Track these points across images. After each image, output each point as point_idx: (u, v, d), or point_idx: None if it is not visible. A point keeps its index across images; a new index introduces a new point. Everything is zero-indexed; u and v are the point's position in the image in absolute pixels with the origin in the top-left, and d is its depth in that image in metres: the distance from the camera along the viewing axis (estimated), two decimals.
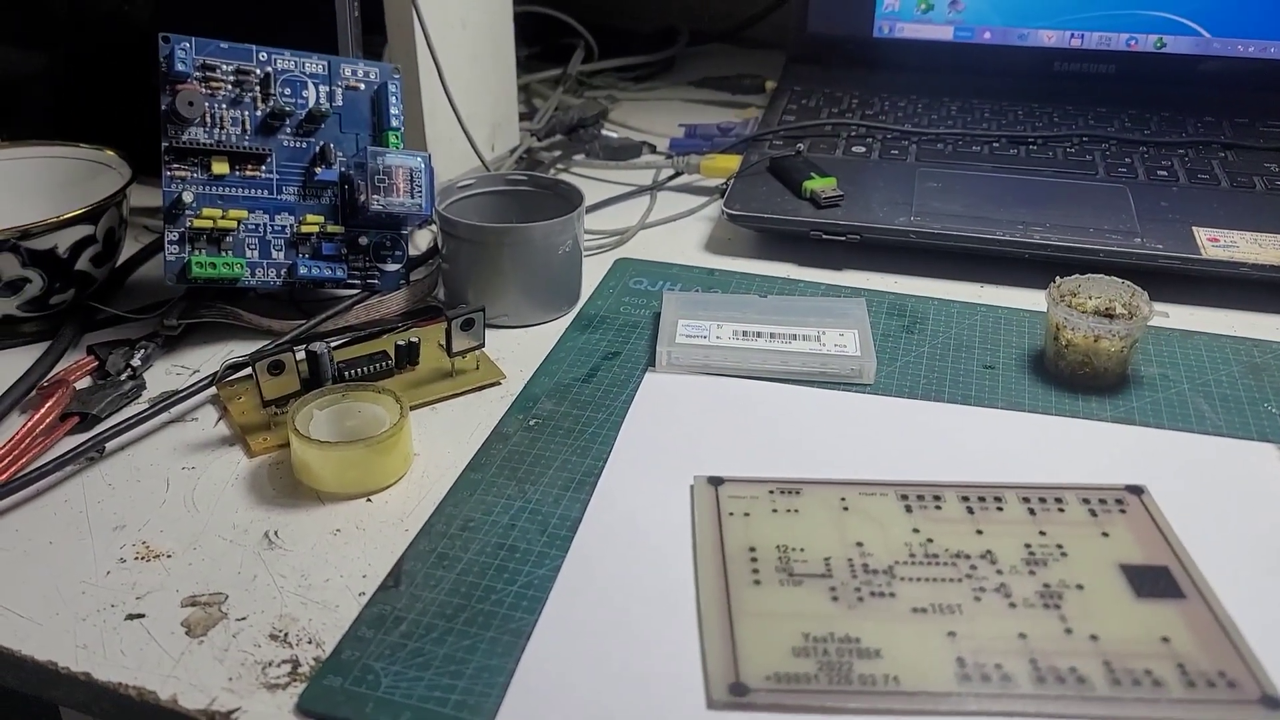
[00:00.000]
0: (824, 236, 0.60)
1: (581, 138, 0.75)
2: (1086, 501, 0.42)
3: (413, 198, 0.52)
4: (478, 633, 0.35)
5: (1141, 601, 0.37)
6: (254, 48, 0.51)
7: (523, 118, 0.81)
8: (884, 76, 0.82)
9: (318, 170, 0.52)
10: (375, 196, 0.51)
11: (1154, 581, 0.38)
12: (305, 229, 0.52)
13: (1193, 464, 0.45)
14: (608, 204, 0.69)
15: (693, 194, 0.70)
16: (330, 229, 0.53)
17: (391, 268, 0.55)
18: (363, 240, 0.53)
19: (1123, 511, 0.42)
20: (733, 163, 0.68)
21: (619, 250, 0.63)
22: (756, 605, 0.37)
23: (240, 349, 0.52)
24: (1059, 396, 0.49)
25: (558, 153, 0.74)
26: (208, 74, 0.50)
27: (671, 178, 0.71)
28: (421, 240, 0.63)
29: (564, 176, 0.73)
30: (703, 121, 0.79)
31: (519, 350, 0.53)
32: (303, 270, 0.52)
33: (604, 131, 0.78)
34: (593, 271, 0.60)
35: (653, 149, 0.76)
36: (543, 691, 0.34)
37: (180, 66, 0.49)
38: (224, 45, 0.51)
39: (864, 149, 0.70)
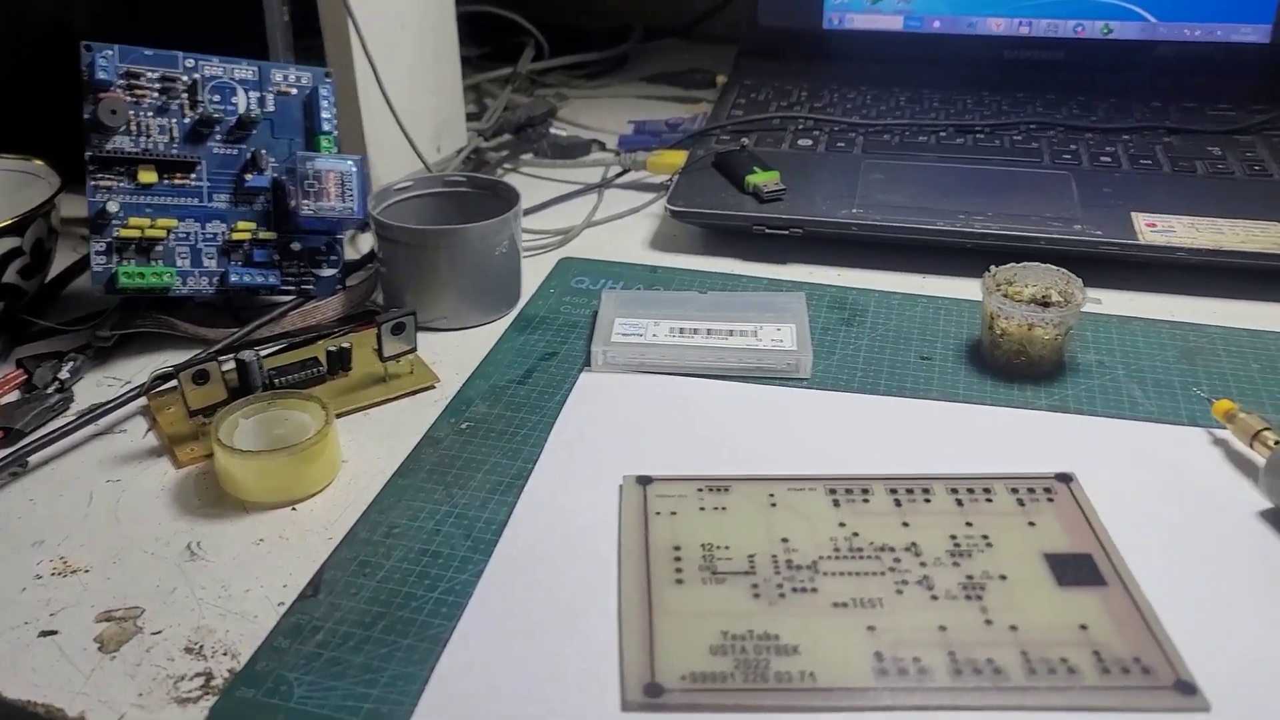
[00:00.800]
0: (767, 231, 0.60)
1: (530, 137, 0.75)
2: (1015, 491, 0.42)
3: (344, 202, 0.52)
4: (395, 640, 0.35)
5: (1063, 590, 0.37)
6: (180, 54, 0.51)
7: (474, 118, 0.80)
8: (834, 68, 0.81)
9: (249, 177, 0.52)
10: (306, 201, 0.51)
11: (1076, 570, 0.38)
12: (237, 236, 0.52)
13: (1123, 451, 0.45)
14: (554, 203, 0.68)
15: (640, 191, 0.70)
16: (262, 235, 0.52)
17: (327, 273, 0.54)
18: (296, 246, 0.53)
19: (1050, 500, 0.42)
20: (679, 159, 0.68)
21: (563, 249, 0.63)
22: (678, 604, 0.37)
23: (176, 359, 0.52)
24: (994, 386, 0.49)
25: (505, 152, 0.74)
26: (132, 82, 0.50)
27: (619, 175, 0.71)
28: (364, 244, 0.63)
29: (510, 176, 0.73)
30: (653, 118, 0.79)
31: (456, 353, 0.52)
32: (235, 278, 0.51)
33: (553, 130, 0.78)
34: (535, 272, 0.59)
35: (602, 146, 0.76)
36: (457, 697, 0.33)
37: (102, 75, 0.48)
38: (148, 53, 0.50)
39: (811, 142, 0.70)
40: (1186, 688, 0.34)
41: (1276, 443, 0.42)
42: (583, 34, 0.95)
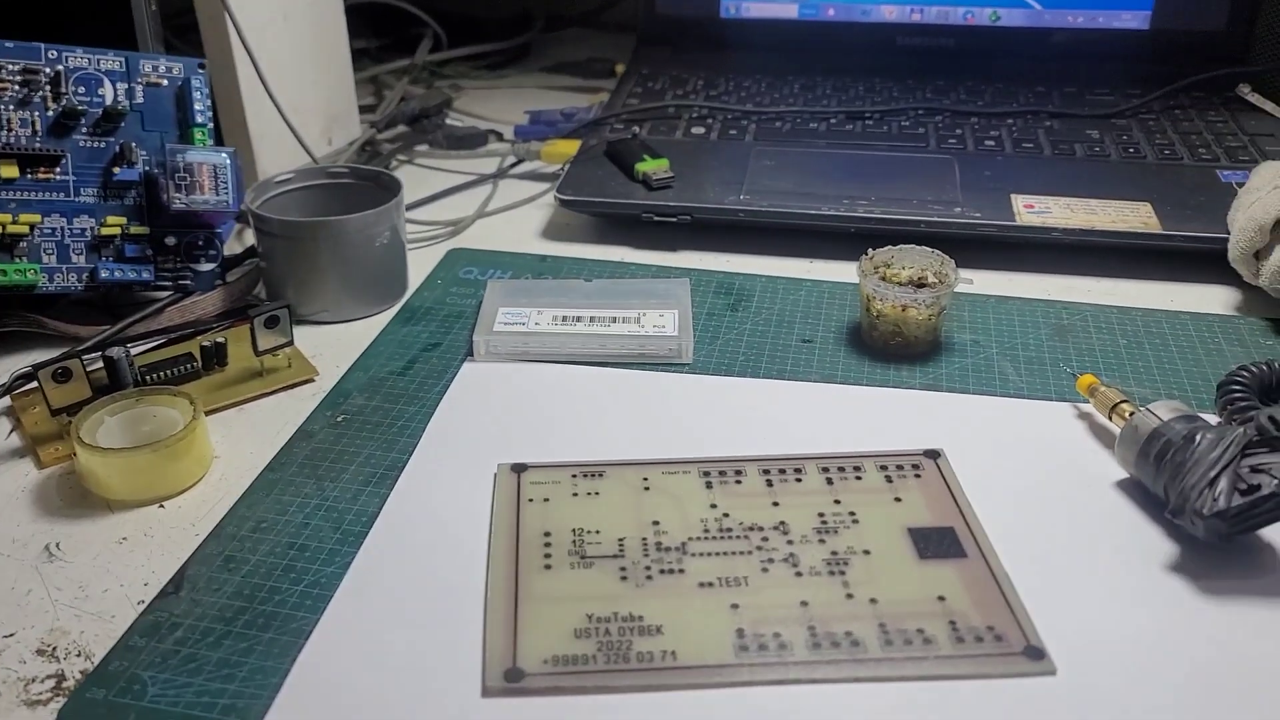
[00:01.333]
0: (655, 219, 0.61)
1: (424, 128, 0.74)
2: (884, 469, 0.43)
3: (218, 194, 0.51)
4: (256, 635, 0.35)
5: (924, 563, 0.38)
6: (42, 45, 0.50)
7: (370, 110, 0.80)
8: (732, 57, 0.82)
9: (117, 170, 0.51)
10: (177, 195, 0.50)
11: (938, 543, 0.39)
12: (106, 231, 0.51)
13: (991, 426, 0.46)
14: (448, 194, 0.68)
15: (535, 181, 0.70)
16: (134, 230, 0.51)
17: (205, 267, 0.53)
18: (169, 240, 0.52)
19: (918, 476, 0.43)
20: (572, 148, 0.68)
21: (454, 240, 0.63)
22: (544, 589, 0.37)
23: (47, 357, 0.50)
24: (872, 367, 0.50)
25: (399, 144, 0.73)
26: None
27: (513, 165, 0.71)
28: (250, 238, 0.62)
29: (404, 169, 0.72)
30: (551, 108, 0.79)
31: (338, 346, 0.52)
32: (105, 274, 0.50)
33: (449, 121, 0.77)
34: (424, 263, 0.59)
35: (499, 137, 0.76)
36: (317, 689, 0.33)
37: None
38: (9, 44, 0.49)
39: (704, 130, 0.70)
40: (1036, 653, 0.35)
41: (1132, 414, 0.43)
42: (483, 24, 0.94)
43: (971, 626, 0.36)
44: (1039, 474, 0.43)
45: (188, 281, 0.53)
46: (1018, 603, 0.37)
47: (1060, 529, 0.40)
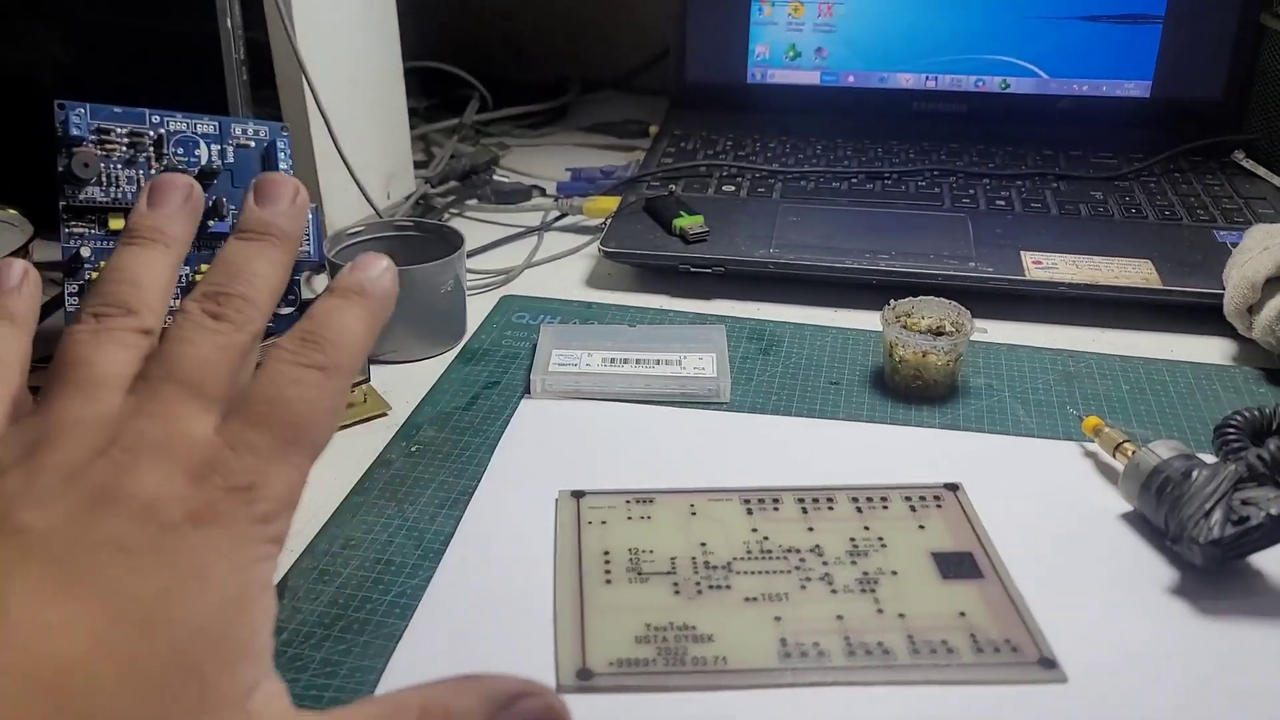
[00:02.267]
0: (692, 269, 0.66)
1: (474, 183, 0.79)
2: (908, 499, 0.48)
3: (302, 245, 0.56)
4: (353, 638, 0.39)
5: (946, 583, 0.43)
6: (147, 111, 0.55)
7: (422, 165, 0.85)
8: (757, 119, 0.88)
9: (211, 223, 0.56)
10: None
11: (959, 565, 0.44)
12: (200, 278, 0.56)
13: (1005, 462, 0.50)
14: (497, 245, 0.73)
15: (577, 234, 0.75)
16: None
17: (285, 311, 0.58)
18: None
19: (939, 506, 0.47)
20: (613, 203, 0.74)
21: (505, 288, 0.68)
22: (606, 601, 0.41)
23: None
24: (894, 407, 0.55)
25: (451, 198, 0.79)
26: (103, 137, 0.54)
27: (558, 219, 0.76)
28: (320, 284, 0.67)
29: (455, 221, 0.78)
30: (590, 165, 0.85)
31: (406, 383, 0.57)
32: None
33: (496, 177, 0.83)
34: (479, 308, 0.64)
35: (542, 192, 0.81)
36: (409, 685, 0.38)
37: (75, 130, 0.52)
38: (118, 110, 0.54)
39: (734, 188, 0.76)
40: (1048, 663, 0.39)
41: (1134, 452, 0.48)
42: (525, 87, 1.01)
43: (990, 639, 0.40)
44: (1049, 505, 0.47)
45: (270, 325, 0.58)
46: (1031, 619, 0.41)
47: (1069, 554, 0.44)
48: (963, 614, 0.41)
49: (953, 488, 0.48)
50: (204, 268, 0.56)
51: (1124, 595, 0.42)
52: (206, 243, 0.56)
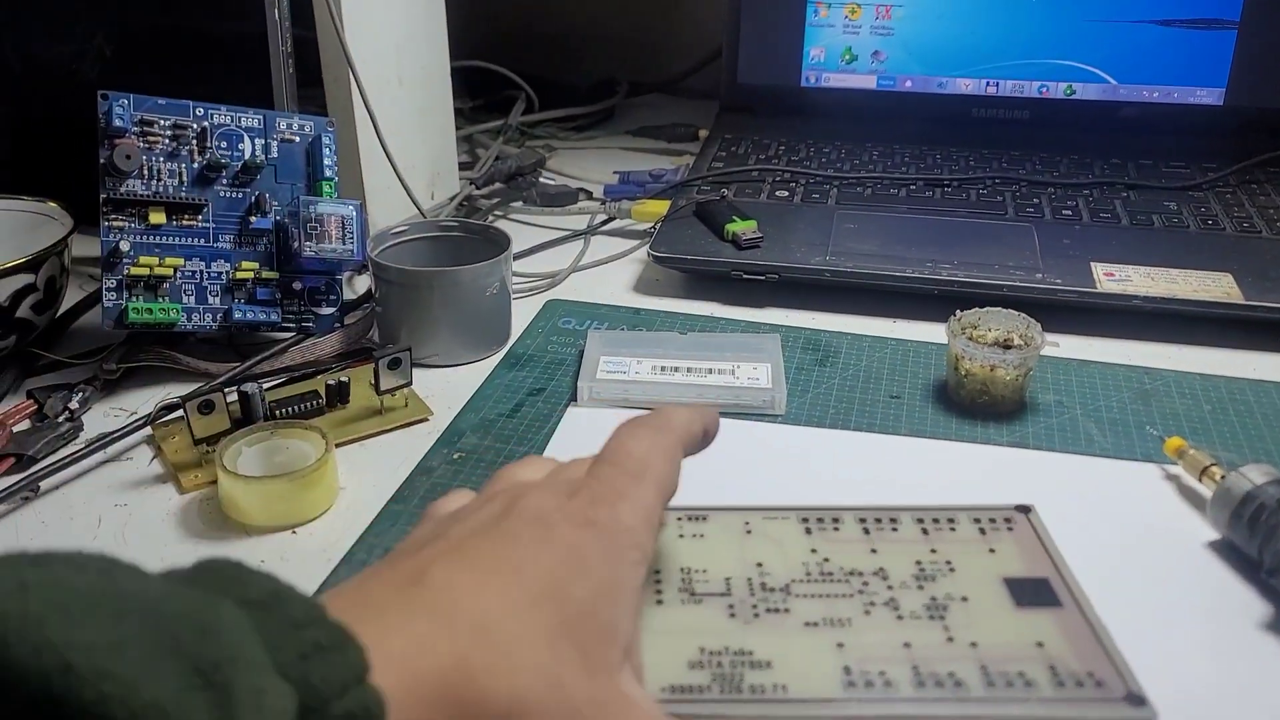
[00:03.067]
0: (744, 276, 0.63)
1: (519, 185, 0.78)
2: (977, 521, 0.45)
3: (344, 244, 0.54)
4: None
5: (1020, 610, 0.40)
6: (191, 103, 0.54)
7: (467, 167, 0.84)
8: (810, 123, 0.85)
9: (253, 219, 0.55)
10: (308, 243, 0.54)
11: (1033, 592, 0.41)
12: (240, 275, 0.54)
13: (1079, 484, 0.48)
14: (543, 248, 0.71)
15: (624, 238, 0.73)
16: (265, 275, 0.55)
17: (326, 311, 0.57)
18: (297, 285, 0.56)
19: (1010, 529, 0.44)
20: (662, 207, 0.71)
21: (551, 292, 0.66)
22: (659, 623, 0.39)
23: (178, 391, 0.54)
24: (959, 423, 0.52)
25: (496, 200, 0.77)
26: (145, 129, 0.52)
27: (605, 223, 0.74)
28: (361, 285, 0.66)
29: (500, 223, 0.76)
30: (638, 168, 0.83)
31: (448, 388, 0.55)
32: (238, 315, 0.54)
33: (542, 179, 0.81)
34: (524, 312, 0.62)
35: (589, 195, 0.79)
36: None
37: (118, 122, 0.51)
38: (161, 102, 0.53)
39: (787, 193, 0.73)
40: (1136, 699, 0.36)
41: (1223, 477, 0.44)
42: (571, 89, 0.99)
43: (1071, 671, 0.37)
44: (1130, 531, 0.44)
45: (310, 324, 0.56)
46: (1115, 651, 0.38)
47: (1153, 584, 0.41)
48: (1040, 644, 0.38)
49: (1024, 510, 0.45)
50: (245, 264, 0.55)
51: (1214, 629, 0.39)
52: (248, 239, 0.55)
